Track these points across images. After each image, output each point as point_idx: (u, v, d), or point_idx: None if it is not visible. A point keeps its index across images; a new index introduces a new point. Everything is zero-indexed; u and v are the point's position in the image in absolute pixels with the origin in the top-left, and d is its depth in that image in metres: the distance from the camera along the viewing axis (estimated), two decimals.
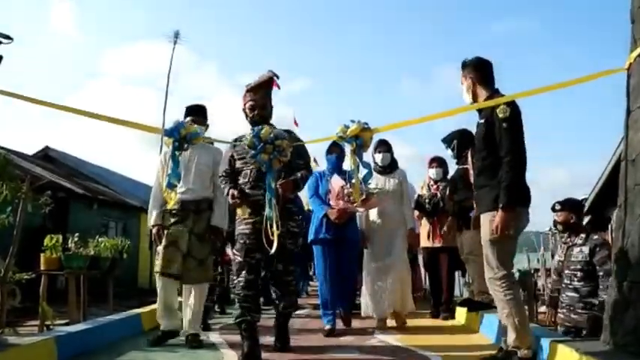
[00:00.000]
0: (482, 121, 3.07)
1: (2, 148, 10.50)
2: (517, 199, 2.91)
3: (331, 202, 4.58)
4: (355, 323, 4.82)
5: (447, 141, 4.99)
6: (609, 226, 9.43)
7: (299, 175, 3.49)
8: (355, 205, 4.40)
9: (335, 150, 4.74)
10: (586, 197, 10.95)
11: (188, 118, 3.87)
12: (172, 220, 3.89)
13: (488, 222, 2.99)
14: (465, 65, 3.28)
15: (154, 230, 3.91)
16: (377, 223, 4.81)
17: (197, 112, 4.03)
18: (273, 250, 3.18)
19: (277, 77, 3.61)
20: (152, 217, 3.95)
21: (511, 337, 2.93)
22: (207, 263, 3.91)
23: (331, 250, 4.59)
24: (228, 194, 3.41)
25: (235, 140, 3.53)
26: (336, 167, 4.75)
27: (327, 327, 4.41)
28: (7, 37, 2.24)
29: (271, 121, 3.56)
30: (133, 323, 4.26)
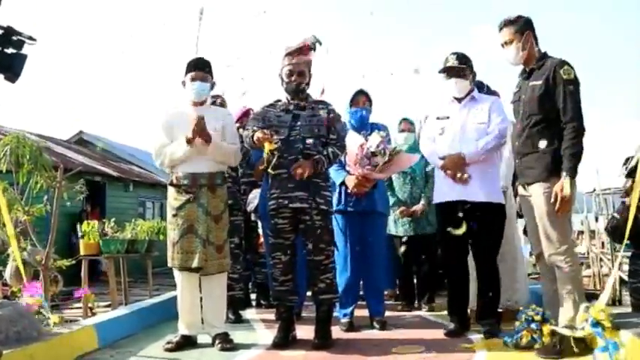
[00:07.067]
0: (541, 82, 2.83)
1: (37, 135, 10.80)
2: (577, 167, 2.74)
3: (349, 168, 3.68)
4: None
5: None
6: None
7: (325, 152, 3.27)
8: (378, 169, 3.53)
9: (360, 99, 3.85)
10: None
11: (191, 73, 3.35)
12: (183, 198, 3.30)
13: (542, 194, 2.82)
14: (514, 22, 2.96)
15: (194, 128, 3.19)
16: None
17: (201, 67, 3.38)
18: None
19: (320, 44, 3.36)
20: (178, 147, 3.27)
21: (567, 315, 2.79)
22: (225, 249, 3.38)
23: (354, 225, 3.74)
24: (253, 137, 3.21)
25: (269, 106, 3.42)
26: (362, 123, 3.79)
27: (344, 320, 3.69)
28: (31, 39, 2.29)
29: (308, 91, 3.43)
30: (170, 306, 4.31)
